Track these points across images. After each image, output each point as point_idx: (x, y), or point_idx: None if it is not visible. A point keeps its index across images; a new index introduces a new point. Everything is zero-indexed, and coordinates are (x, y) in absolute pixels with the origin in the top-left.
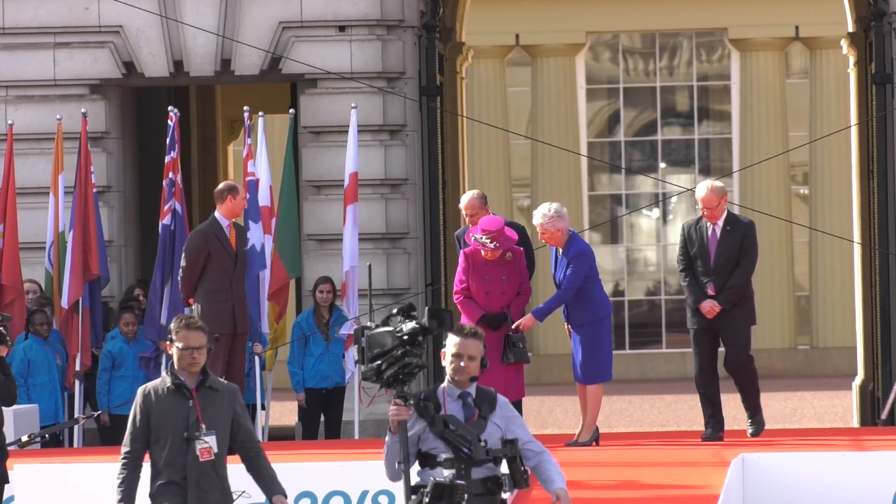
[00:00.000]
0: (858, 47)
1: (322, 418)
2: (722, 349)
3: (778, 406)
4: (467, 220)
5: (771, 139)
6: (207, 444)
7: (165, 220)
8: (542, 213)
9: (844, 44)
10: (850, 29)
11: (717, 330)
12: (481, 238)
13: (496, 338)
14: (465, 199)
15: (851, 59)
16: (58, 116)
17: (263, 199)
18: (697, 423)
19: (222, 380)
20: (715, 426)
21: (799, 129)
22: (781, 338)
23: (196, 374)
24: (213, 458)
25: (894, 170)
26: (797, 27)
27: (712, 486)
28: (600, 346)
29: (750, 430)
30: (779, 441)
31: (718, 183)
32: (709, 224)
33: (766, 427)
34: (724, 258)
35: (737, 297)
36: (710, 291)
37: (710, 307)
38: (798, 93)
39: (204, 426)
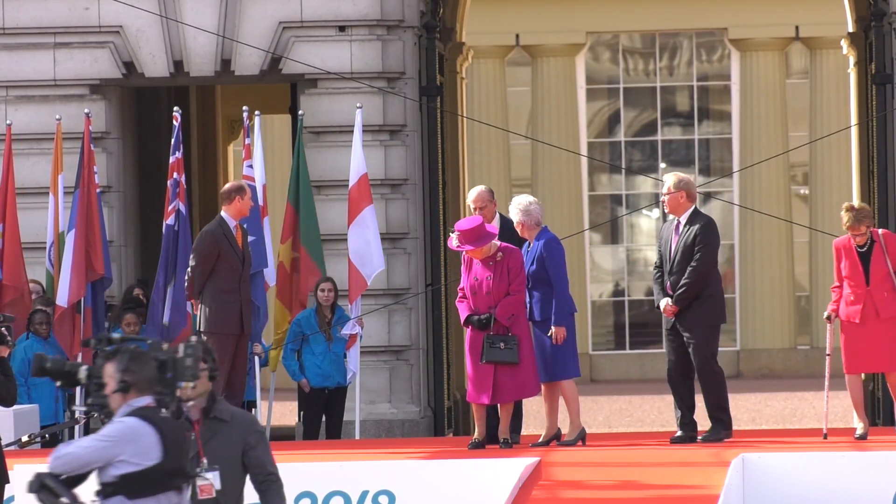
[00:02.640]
0: (858, 47)
1: (323, 418)
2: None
3: (778, 406)
4: (476, 213)
5: (771, 139)
6: (208, 480)
7: (169, 220)
8: (516, 202)
9: (844, 44)
10: (850, 29)
11: (679, 329)
12: (454, 242)
13: (482, 338)
14: (474, 192)
15: (851, 59)
16: (57, 117)
17: (259, 198)
18: (698, 423)
19: (235, 408)
20: (684, 428)
21: (799, 129)
22: (781, 338)
23: (198, 403)
24: (213, 495)
25: (894, 170)
26: (797, 27)
27: (712, 486)
28: (569, 342)
29: (704, 435)
30: (779, 441)
31: (684, 176)
32: (675, 222)
33: (768, 427)
34: (679, 256)
35: (689, 295)
36: (669, 290)
37: (664, 306)
38: (798, 93)
39: (205, 461)
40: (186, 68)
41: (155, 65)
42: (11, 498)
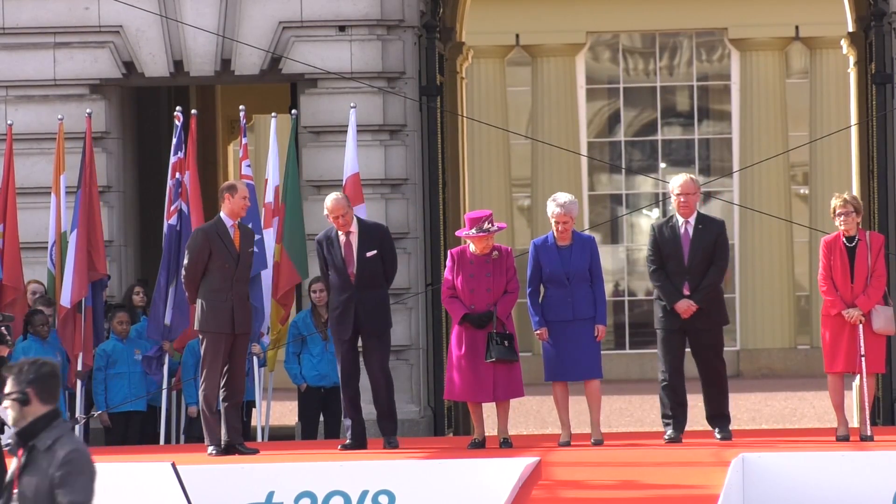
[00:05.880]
0: (858, 47)
1: (321, 418)
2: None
3: (778, 406)
4: (334, 221)
5: (771, 139)
6: None
7: (171, 220)
8: (564, 200)
9: (844, 44)
10: (850, 29)
11: (686, 331)
12: (485, 226)
13: (482, 336)
14: (331, 201)
15: (851, 59)
16: (59, 117)
17: (269, 197)
18: (698, 423)
19: (66, 438)
20: (676, 427)
21: (799, 129)
22: (781, 338)
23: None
24: None
25: (894, 170)
26: (797, 27)
27: (712, 486)
28: (598, 342)
29: (719, 437)
30: (779, 441)
31: (694, 176)
32: (681, 223)
33: (768, 427)
34: (699, 257)
35: (712, 295)
36: (686, 291)
37: (686, 307)
38: (798, 93)
39: (15, 494)
40: (186, 68)
41: (155, 65)
42: None
